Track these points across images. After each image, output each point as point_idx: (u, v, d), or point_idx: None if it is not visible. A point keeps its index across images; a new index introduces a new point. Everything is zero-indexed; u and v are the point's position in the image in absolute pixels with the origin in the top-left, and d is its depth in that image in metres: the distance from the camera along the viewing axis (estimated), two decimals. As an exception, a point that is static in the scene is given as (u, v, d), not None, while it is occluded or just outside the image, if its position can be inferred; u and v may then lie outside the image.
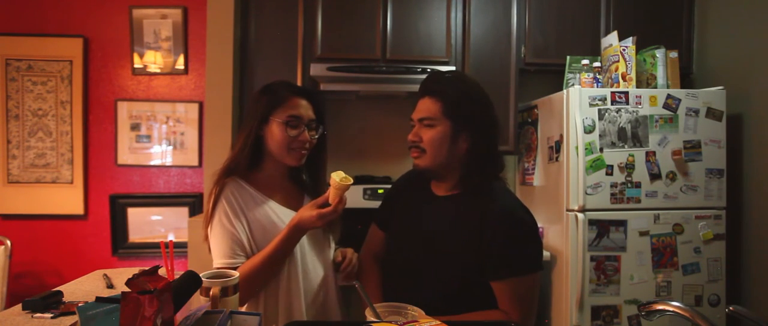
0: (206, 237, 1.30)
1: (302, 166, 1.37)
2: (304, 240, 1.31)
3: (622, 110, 2.14)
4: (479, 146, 1.23)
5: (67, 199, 2.88)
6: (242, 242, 1.25)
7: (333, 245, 1.43)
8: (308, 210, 1.22)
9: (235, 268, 1.21)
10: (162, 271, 0.93)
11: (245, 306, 1.28)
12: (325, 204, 1.22)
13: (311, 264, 1.32)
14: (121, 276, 2.23)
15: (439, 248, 1.23)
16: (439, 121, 1.22)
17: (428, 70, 2.39)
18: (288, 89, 1.33)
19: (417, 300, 1.11)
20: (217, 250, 1.25)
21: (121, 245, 2.92)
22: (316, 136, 1.35)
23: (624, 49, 2.30)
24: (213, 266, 1.25)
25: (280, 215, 1.29)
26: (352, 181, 1.21)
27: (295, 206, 1.34)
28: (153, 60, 2.87)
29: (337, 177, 1.19)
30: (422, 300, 1.12)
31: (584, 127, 2.13)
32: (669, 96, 2.16)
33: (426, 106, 1.24)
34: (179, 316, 0.81)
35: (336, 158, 1.40)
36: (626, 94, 2.15)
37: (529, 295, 1.18)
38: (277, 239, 1.22)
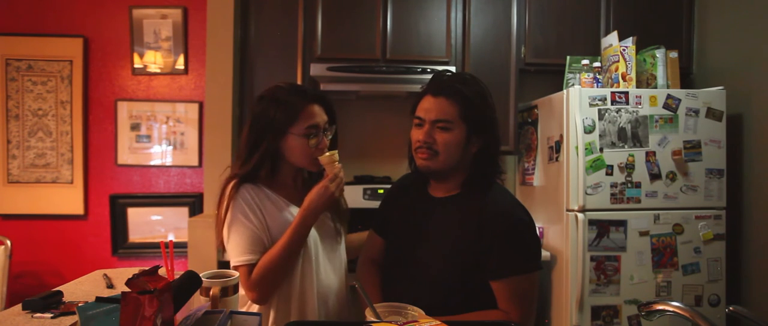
0: (221, 243, 1.29)
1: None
2: (318, 241, 1.31)
3: (622, 110, 2.14)
4: (489, 149, 1.24)
5: (67, 199, 2.88)
6: (262, 238, 1.24)
7: (343, 243, 1.43)
8: (315, 188, 1.23)
9: (254, 264, 1.21)
10: (162, 271, 0.93)
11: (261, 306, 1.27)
12: None
13: (324, 266, 1.32)
14: (121, 276, 2.23)
15: (439, 249, 1.23)
16: (455, 124, 1.20)
17: (428, 70, 2.39)
18: (300, 97, 1.28)
19: (417, 301, 1.11)
20: (236, 248, 1.23)
21: (121, 245, 2.92)
22: (331, 136, 1.34)
23: (624, 49, 2.30)
24: (231, 265, 1.25)
25: (295, 216, 1.28)
26: (336, 151, 1.28)
27: None
28: (153, 60, 2.88)
29: (324, 157, 1.25)
30: (422, 300, 1.12)
31: (584, 127, 2.12)
32: (669, 96, 2.16)
33: (442, 108, 1.20)
34: (179, 316, 0.81)
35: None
36: (626, 94, 2.15)
37: (528, 294, 1.19)
38: (292, 226, 1.22)
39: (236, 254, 1.23)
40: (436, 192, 1.31)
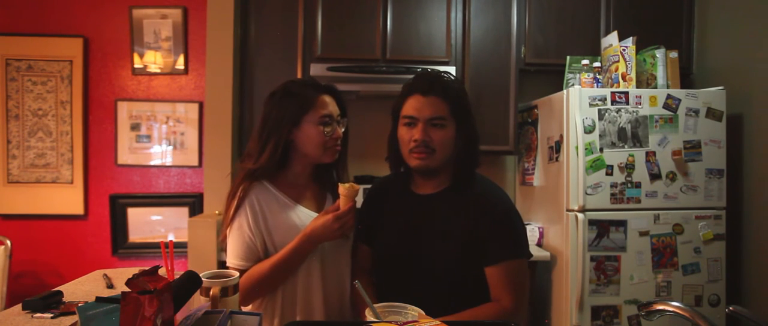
0: (224, 238, 1.31)
1: (331, 163, 1.37)
2: None
3: (622, 110, 2.14)
4: (473, 143, 1.28)
5: (67, 199, 2.88)
6: (256, 249, 1.26)
7: (351, 238, 1.42)
8: (321, 217, 1.23)
9: (244, 270, 1.23)
10: (162, 271, 0.93)
11: (251, 305, 1.28)
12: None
13: (330, 267, 1.32)
14: (121, 276, 2.23)
15: (441, 244, 1.24)
16: (448, 121, 1.23)
17: (428, 70, 2.39)
18: (313, 88, 1.32)
19: (422, 298, 1.11)
20: (232, 251, 1.28)
21: (121, 245, 2.92)
22: (343, 129, 1.36)
23: (624, 49, 2.30)
24: (227, 263, 1.28)
25: (302, 218, 1.29)
26: (359, 188, 1.26)
27: (318, 206, 1.34)
28: (153, 60, 2.88)
29: (344, 187, 1.23)
30: (428, 297, 1.13)
31: (584, 127, 2.12)
32: (669, 96, 2.16)
33: (435, 106, 1.23)
34: (179, 316, 0.81)
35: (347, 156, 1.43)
36: (626, 94, 2.15)
37: (521, 280, 1.23)
38: (287, 248, 1.22)
39: (231, 256, 1.28)
40: (422, 189, 1.32)
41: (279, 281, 1.26)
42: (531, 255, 1.28)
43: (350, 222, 1.24)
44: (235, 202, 1.27)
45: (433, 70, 1.36)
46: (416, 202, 1.31)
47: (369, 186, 2.53)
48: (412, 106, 1.26)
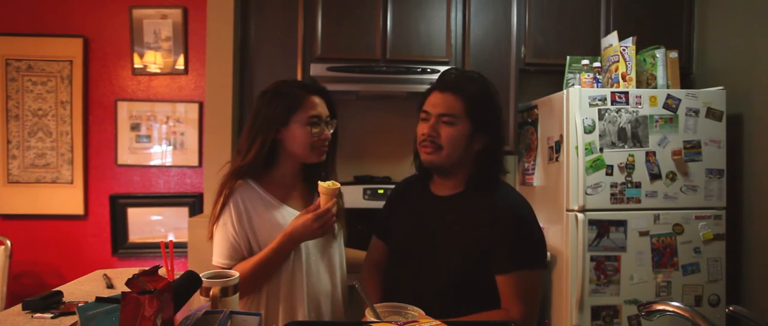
0: (211, 236, 1.32)
1: (319, 163, 1.37)
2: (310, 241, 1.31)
3: (622, 110, 2.14)
4: (492, 147, 1.26)
5: (67, 199, 2.88)
6: (240, 248, 1.27)
7: (342, 245, 1.43)
8: (302, 216, 1.24)
9: (227, 268, 1.24)
10: (162, 271, 0.93)
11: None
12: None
13: (315, 265, 1.32)
14: (121, 276, 2.23)
15: (450, 246, 1.23)
16: (460, 119, 1.22)
17: (428, 69, 2.39)
18: (303, 89, 1.32)
19: (424, 300, 1.11)
20: (216, 249, 1.30)
21: (121, 245, 2.92)
22: (332, 131, 1.36)
23: (624, 49, 2.30)
24: (213, 261, 1.29)
25: (287, 218, 1.29)
26: (339, 185, 1.25)
27: (305, 206, 1.34)
28: (153, 60, 2.88)
29: (323, 185, 1.23)
30: (429, 299, 1.13)
31: (584, 127, 2.12)
32: (669, 96, 2.16)
33: (448, 102, 1.23)
34: (179, 316, 0.81)
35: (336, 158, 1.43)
36: (626, 94, 2.15)
37: (532, 291, 1.20)
38: (269, 247, 1.23)
39: (216, 254, 1.29)
40: (439, 190, 1.31)
41: (262, 280, 1.26)
42: (546, 266, 1.26)
43: (331, 221, 1.25)
44: (220, 200, 1.29)
45: (462, 69, 1.35)
46: (432, 202, 1.31)
47: (366, 186, 2.55)
48: (429, 102, 1.27)
